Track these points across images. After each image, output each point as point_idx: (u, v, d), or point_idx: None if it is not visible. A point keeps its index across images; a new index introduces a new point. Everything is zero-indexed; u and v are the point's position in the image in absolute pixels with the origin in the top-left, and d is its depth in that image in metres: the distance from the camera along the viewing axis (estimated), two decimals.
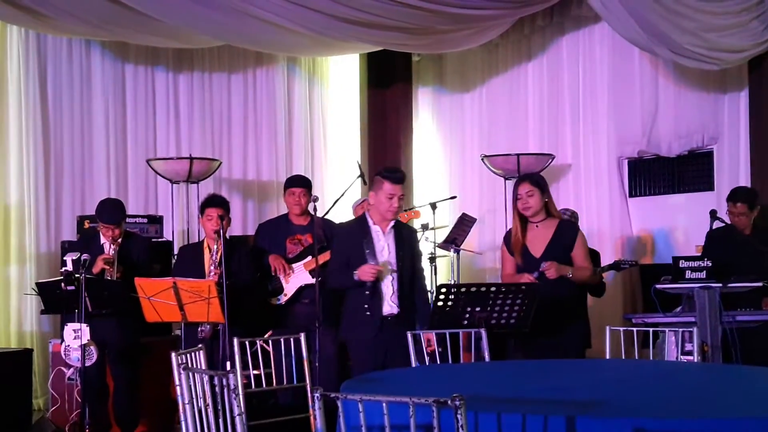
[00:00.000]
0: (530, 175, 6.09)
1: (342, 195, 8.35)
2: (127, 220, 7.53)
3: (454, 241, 8.28)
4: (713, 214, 7.00)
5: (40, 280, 6.69)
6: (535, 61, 10.04)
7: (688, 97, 8.86)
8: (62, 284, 6.03)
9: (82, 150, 8.81)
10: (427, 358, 5.21)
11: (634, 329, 5.21)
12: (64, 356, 6.17)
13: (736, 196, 6.87)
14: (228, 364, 5.82)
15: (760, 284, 6.15)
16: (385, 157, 10.42)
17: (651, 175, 9.34)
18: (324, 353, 6.13)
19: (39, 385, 7.89)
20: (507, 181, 9.14)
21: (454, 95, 10.79)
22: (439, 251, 8.44)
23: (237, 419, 3.60)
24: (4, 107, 8.39)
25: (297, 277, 6.79)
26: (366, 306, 5.67)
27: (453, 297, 5.30)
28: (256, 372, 5.04)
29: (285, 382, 5.11)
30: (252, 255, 6.80)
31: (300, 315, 6.74)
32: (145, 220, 7.94)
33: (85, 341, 5.98)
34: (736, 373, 4.50)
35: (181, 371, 3.92)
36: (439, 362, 5.10)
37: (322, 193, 9.67)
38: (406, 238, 5.86)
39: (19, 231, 8.34)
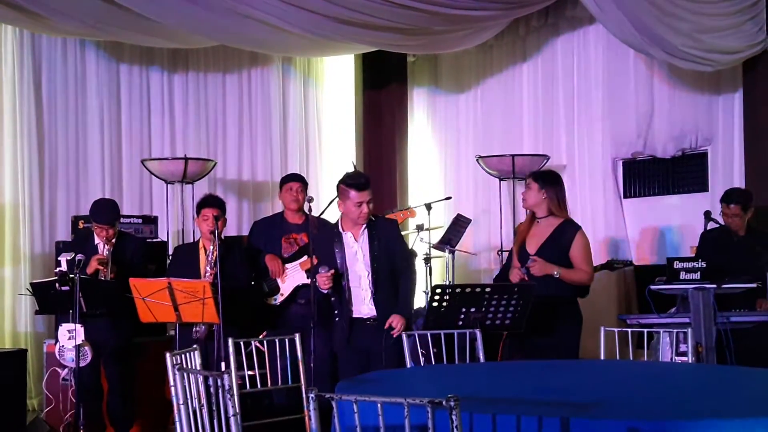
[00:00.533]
0: (535, 173, 6.13)
1: (337, 196, 8.33)
2: (122, 220, 7.53)
3: (449, 241, 8.28)
4: (707, 215, 7.02)
5: (35, 281, 6.68)
6: (530, 62, 10.05)
7: (682, 99, 8.88)
8: (57, 284, 6.02)
9: (76, 150, 8.80)
10: (422, 360, 5.21)
11: (629, 330, 5.22)
12: (58, 357, 6.17)
13: (730, 197, 6.88)
14: (223, 364, 5.81)
15: (754, 285, 6.17)
16: (380, 157, 10.43)
17: (645, 176, 9.36)
18: (319, 354, 6.13)
19: (33, 386, 7.89)
20: (502, 182, 9.14)
21: (449, 96, 10.80)
22: (434, 252, 8.44)
23: (231, 420, 3.60)
24: None
25: (293, 277, 6.78)
26: (336, 312, 5.70)
27: (448, 298, 5.30)
28: (250, 372, 5.04)
29: (280, 383, 5.10)
30: (247, 255, 6.80)
31: (295, 316, 6.73)
32: (140, 221, 7.93)
33: (79, 342, 5.97)
34: (730, 374, 4.51)
35: (176, 372, 3.92)
36: (434, 363, 5.10)
37: (317, 193, 9.67)
38: (381, 237, 5.71)
39: (13, 231, 8.33)
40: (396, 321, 5.54)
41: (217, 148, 9.67)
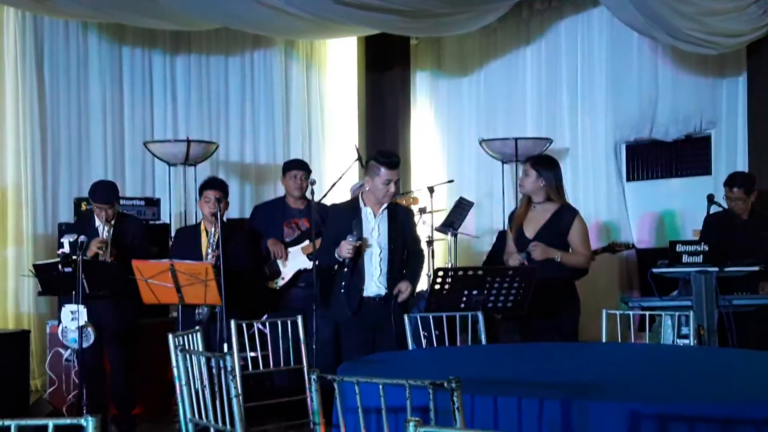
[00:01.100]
0: (534, 157, 6.12)
1: (339, 178, 8.36)
2: (125, 202, 7.54)
3: (451, 224, 8.28)
4: (710, 199, 7.02)
5: (38, 262, 6.69)
6: (533, 45, 10.03)
7: (686, 82, 8.87)
8: (59, 266, 6.03)
9: (79, 132, 8.79)
10: (424, 342, 5.23)
11: (631, 313, 5.23)
12: (61, 338, 6.18)
13: (733, 181, 6.86)
14: (225, 346, 5.83)
15: (756, 268, 6.17)
16: (383, 140, 10.42)
17: (648, 159, 9.35)
18: (321, 336, 6.14)
19: (36, 367, 7.91)
20: (504, 165, 9.14)
21: (452, 79, 10.78)
22: (437, 235, 8.44)
23: (234, 401, 3.61)
24: (1, 89, 8.37)
25: (294, 261, 6.79)
26: (343, 284, 5.71)
27: (450, 280, 5.31)
28: (252, 354, 5.05)
29: (282, 365, 5.12)
30: (249, 238, 6.81)
31: (297, 298, 6.76)
32: (143, 203, 7.95)
33: (82, 323, 5.98)
34: (732, 357, 4.52)
35: (179, 353, 3.93)
36: (436, 345, 5.11)
37: (320, 176, 9.65)
38: (400, 220, 5.83)
39: (16, 213, 8.34)
40: (404, 286, 5.68)
41: (220, 131, 9.66)
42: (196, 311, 6.27)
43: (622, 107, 9.28)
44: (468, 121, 10.55)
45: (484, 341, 5.04)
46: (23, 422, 2.30)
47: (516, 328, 5.79)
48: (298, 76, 10.31)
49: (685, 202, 8.87)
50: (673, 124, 8.97)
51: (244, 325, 5.01)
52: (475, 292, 5.30)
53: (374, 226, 5.74)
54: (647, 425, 2.90)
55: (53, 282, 6.24)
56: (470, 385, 3.06)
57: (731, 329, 6.03)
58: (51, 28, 8.63)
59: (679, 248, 6.21)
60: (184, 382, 3.91)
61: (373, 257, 5.73)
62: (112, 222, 6.48)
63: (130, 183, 8.98)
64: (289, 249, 6.82)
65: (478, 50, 10.47)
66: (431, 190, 8.57)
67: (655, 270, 6.26)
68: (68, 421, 2.33)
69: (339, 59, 10.68)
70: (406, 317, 5.07)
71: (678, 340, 5.17)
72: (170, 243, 7.49)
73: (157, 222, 7.94)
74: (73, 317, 5.99)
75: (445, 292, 5.31)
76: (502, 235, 6.91)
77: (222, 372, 3.65)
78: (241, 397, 3.72)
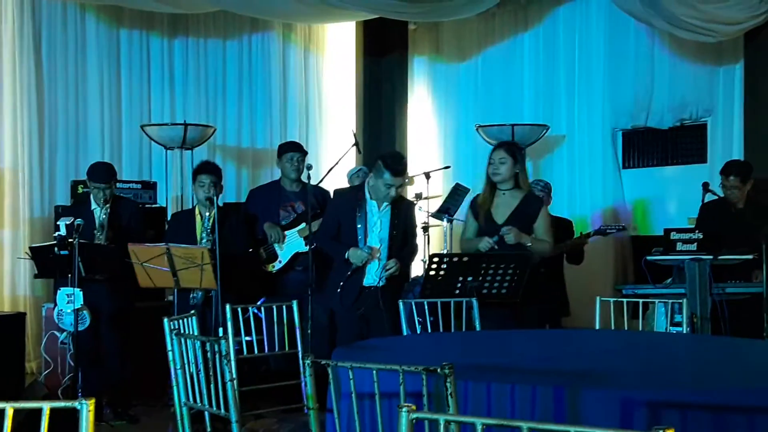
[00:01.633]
0: (507, 143, 6.09)
1: (336, 163, 8.36)
2: (122, 185, 7.54)
3: (447, 210, 8.29)
4: (705, 187, 7.03)
5: (34, 245, 6.69)
6: (531, 31, 10.02)
7: (683, 70, 8.86)
8: (55, 249, 6.03)
9: (76, 115, 8.78)
10: (418, 327, 5.25)
11: (624, 300, 5.24)
12: (57, 320, 6.19)
13: (729, 169, 6.86)
14: (220, 330, 5.84)
15: (750, 257, 6.18)
16: (380, 125, 10.42)
17: (644, 146, 9.36)
18: (316, 321, 6.15)
19: (32, 349, 7.91)
20: None
21: (449, 64, 10.76)
22: (432, 221, 8.45)
23: (228, 385, 3.63)
24: None
25: (291, 245, 6.80)
26: (342, 282, 5.75)
27: (445, 266, 5.32)
28: (248, 338, 5.06)
29: (277, 349, 5.14)
30: (245, 221, 6.82)
31: (292, 282, 6.77)
32: (139, 186, 7.94)
33: (78, 306, 5.99)
34: (724, 345, 4.54)
35: (174, 337, 3.95)
36: (430, 331, 5.13)
37: (317, 161, 9.66)
38: (402, 213, 5.89)
39: (12, 195, 8.33)
40: (392, 262, 5.75)
41: (217, 115, 9.65)
42: (191, 295, 6.29)
43: (619, 94, 9.28)
44: (465, 107, 10.54)
45: (478, 327, 5.06)
46: (18, 405, 2.31)
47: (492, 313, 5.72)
48: (296, 60, 10.29)
49: (681, 190, 8.87)
50: (669, 112, 8.98)
51: (239, 309, 5.02)
52: (470, 279, 5.32)
53: (377, 220, 5.79)
54: (639, 412, 2.91)
55: (49, 265, 6.24)
56: (463, 371, 3.07)
57: (724, 317, 6.05)
58: (49, 11, 8.60)
59: (674, 236, 6.23)
60: (179, 366, 3.92)
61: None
62: (109, 204, 6.49)
63: (127, 166, 8.97)
64: (286, 232, 6.83)
65: (476, 36, 10.46)
66: (427, 175, 8.58)
67: (649, 257, 6.28)
68: (63, 404, 2.34)
69: (337, 44, 10.66)
70: (401, 303, 5.09)
71: (671, 328, 5.19)
72: (166, 227, 7.50)
73: (153, 206, 7.94)
74: (69, 300, 5.99)
75: (440, 278, 5.32)
76: None
77: (217, 356, 3.67)
78: (235, 382, 3.74)
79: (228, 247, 6.24)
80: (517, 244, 5.61)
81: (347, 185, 7.59)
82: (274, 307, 5.06)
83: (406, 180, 5.86)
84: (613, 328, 5.36)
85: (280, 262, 6.83)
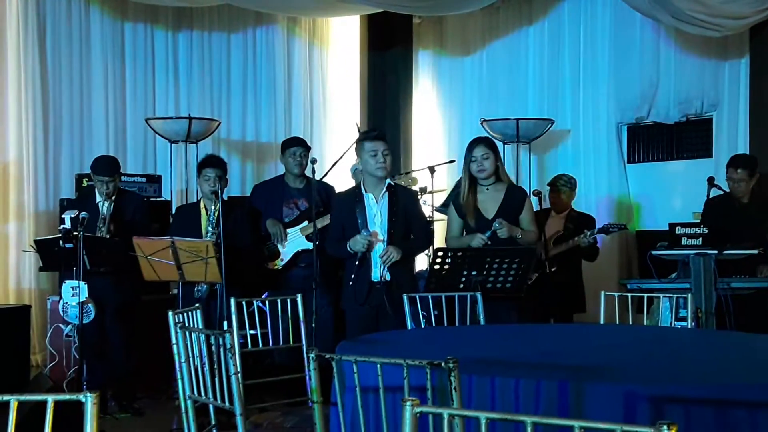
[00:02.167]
0: (485, 138, 6.07)
1: (341, 157, 8.35)
2: (126, 179, 7.55)
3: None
4: (711, 182, 7.02)
5: (39, 237, 6.70)
6: (536, 25, 10.00)
7: (688, 64, 8.85)
8: (60, 241, 6.04)
9: (81, 108, 8.78)
10: (422, 321, 5.25)
11: (629, 295, 5.24)
12: (62, 313, 6.20)
13: (737, 162, 6.85)
14: (225, 323, 5.85)
15: (755, 251, 6.18)
16: (384, 119, 10.41)
17: (650, 141, 9.34)
18: (320, 315, 6.16)
19: (37, 342, 7.93)
20: (505, 146, 9.13)
21: (454, 58, 10.75)
22: (437, 215, 8.45)
23: (233, 378, 3.63)
24: (3, 66, 8.34)
25: (294, 242, 6.80)
26: (353, 275, 5.69)
27: (450, 261, 5.32)
28: (252, 332, 5.07)
29: (281, 343, 5.14)
30: (249, 215, 6.82)
31: (297, 277, 6.77)
32: (144, 180, 7.96)
33: (83, 299, 6.00)
34: (729, 339, 4.53)
35: (178, 330, 3.95)
36: (434, 325, 5.13)
37: (321, 155, 9.66)
38: (400, 202, 5.78)
39: (17, 188, 8.33)
40: (391, 248, 5.59)
41: (222, 108, 9.66)
42: (195, 288, 6.30)
43: (624, 89, 9.27)
44: (470, 101, 10.53)
45: (483, 321, 5.06)
46: (23, 397, 2.31)
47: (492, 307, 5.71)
48: (301, 54, 10.29)
49: (686, 185, 8.86)
50: (674, 106, 8.96)
51: (243, 303, 5.03)
52: (474, 273, 5.31)
53: (376, 212, 5.74)
54: (643, 407, 2.91)
55: (54, 257, 6.26)
56: (468, 365, 3.07)
57: (729, 312, 6.05)
58: (53, 4, 8.59)
59: (679, 230, 6.23)
60: (183, 359, 3.93)
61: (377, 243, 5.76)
62: (113, 198, 6.50)
63: (131, 160, 8.97)
64: (288, 230, 6.83)
65: (480, 30, 10.44)
66: (432, 169, 8.58)
67: (654, 252, 6.28)
68: (68, 396, 2.34)
69: (341, 37, 10.66)
70: (405, 297, 5.09)
71: (676, 323, 5.19)
72: (171, 220, 7.51)
73: (158, 199, 7.95)
74: (74, 293, 6.00)
75: (444, 272, 5.32)
76: None
77: (221, 349, 3.67)
78: (240, 375, 3.74)
79: (232, 240, 6.24)
80: (509, 238, 5.63)
81: (351, 180, 7.58)
82: (279, 300, 5.07)
83: (388, 147, 5.73)
84: (617, 322, 5.36)
85: (282, 259, 6.83)
